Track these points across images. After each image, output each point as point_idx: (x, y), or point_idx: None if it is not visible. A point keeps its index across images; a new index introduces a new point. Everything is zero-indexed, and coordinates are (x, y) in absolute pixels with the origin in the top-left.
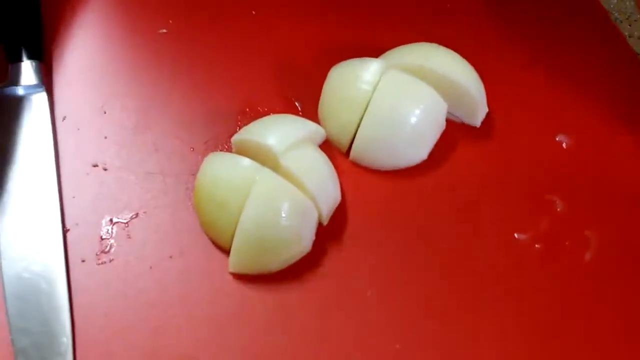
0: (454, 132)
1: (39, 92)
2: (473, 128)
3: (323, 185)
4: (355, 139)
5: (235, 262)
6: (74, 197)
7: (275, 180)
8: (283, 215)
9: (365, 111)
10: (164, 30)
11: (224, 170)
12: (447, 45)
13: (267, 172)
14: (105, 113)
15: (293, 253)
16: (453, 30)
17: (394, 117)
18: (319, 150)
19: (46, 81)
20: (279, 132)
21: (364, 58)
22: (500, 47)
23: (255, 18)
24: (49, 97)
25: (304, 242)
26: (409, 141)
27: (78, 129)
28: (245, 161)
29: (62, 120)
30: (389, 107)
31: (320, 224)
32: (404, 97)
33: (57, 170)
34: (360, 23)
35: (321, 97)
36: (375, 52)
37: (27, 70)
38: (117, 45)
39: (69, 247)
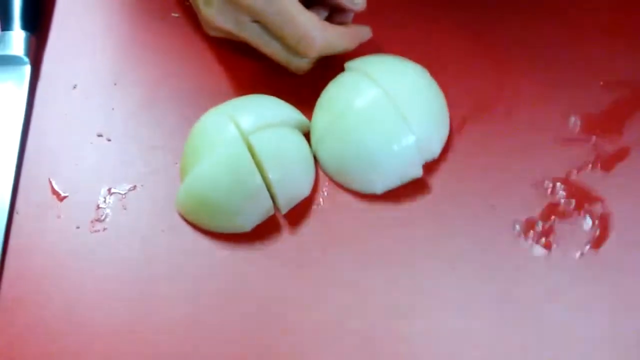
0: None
1: (22, 64)
2: (478, 112)
3: (286, 173)
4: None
5: (180, 202)
6: (76, 165)
7: (240, 151)
8: (226, 184)
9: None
10: (177, 15)
11: (210, 123)
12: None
13: (239, 142)
14: (115, 85)
15: (226, 224)
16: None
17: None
18: (299, 137)
19: (34, 54)
20: (255, 112)
21: (360, 78)
22: (513, 26)
23: None
24: (33, 70)
25: (242, 219)
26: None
27: (87, 99)
28: (231, 126)
29: (73, 89)
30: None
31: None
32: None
33: (21, 144)
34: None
35: (317, 102)
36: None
37: (16, 41)
38: (131, 24)
39: (65, 214)
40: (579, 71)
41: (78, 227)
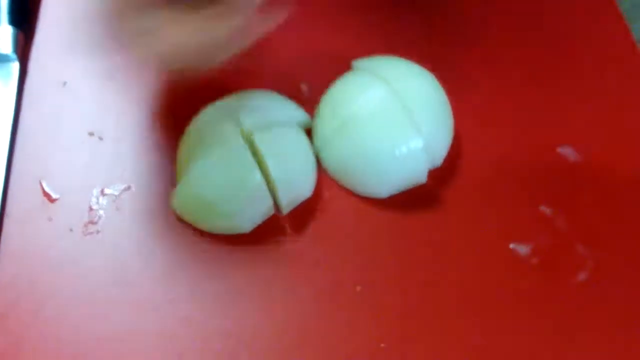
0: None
1: (9, 61)
2: (474, 137)
3: (288, 171)
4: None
5: (177, 202)
6: (67, 165)
7: (240, 149)
8: (226, 183)
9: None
10: None
11: (207, 121)
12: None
13: (239, 139)
14: (106, 81)
15: (226, 225)
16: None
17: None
18: (301, 135)
19: (22, 50)
20: (255, 109)
21: (369, 78)
22: (503, 54)
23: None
24: (21, 67)
25: (242, 219)
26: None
27: (77, 96)
28: (230, 123)
29: (62, 86)
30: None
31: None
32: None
33: (10, 144)
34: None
35: (321, 101)
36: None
37: (3, 37)
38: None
39: (57, 216)
40: (576, 103)
41: (71, 230)
